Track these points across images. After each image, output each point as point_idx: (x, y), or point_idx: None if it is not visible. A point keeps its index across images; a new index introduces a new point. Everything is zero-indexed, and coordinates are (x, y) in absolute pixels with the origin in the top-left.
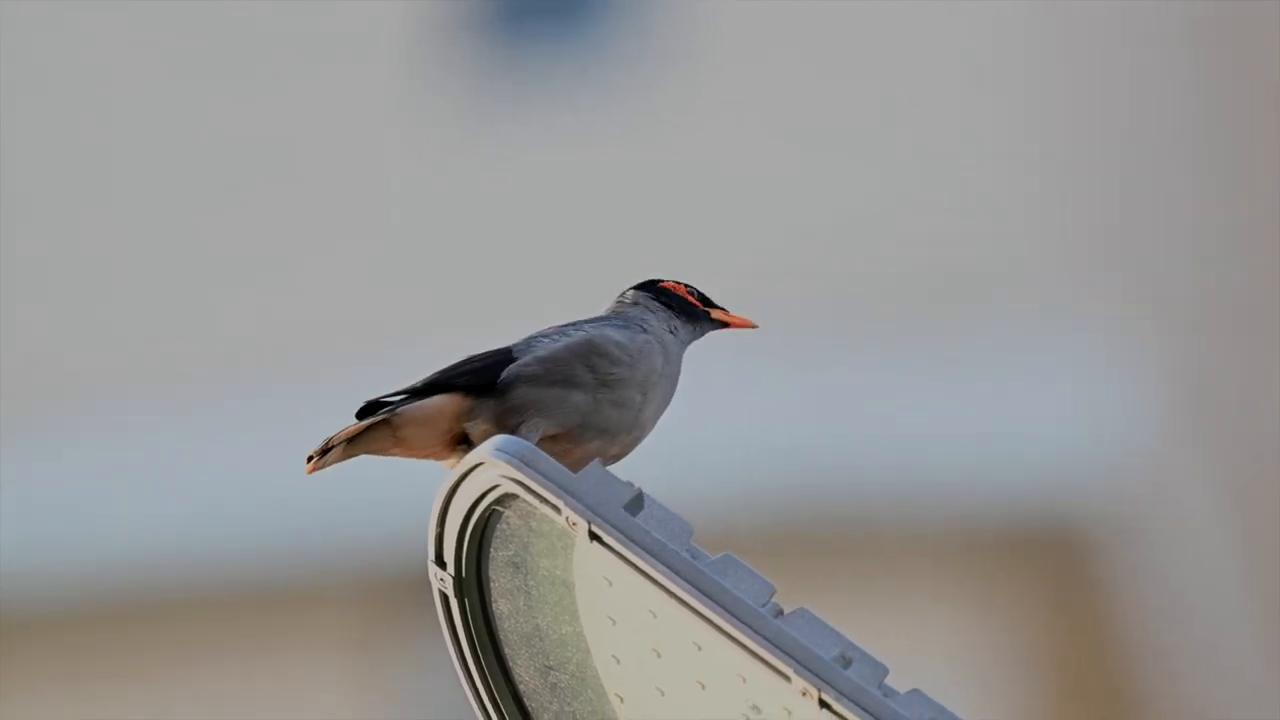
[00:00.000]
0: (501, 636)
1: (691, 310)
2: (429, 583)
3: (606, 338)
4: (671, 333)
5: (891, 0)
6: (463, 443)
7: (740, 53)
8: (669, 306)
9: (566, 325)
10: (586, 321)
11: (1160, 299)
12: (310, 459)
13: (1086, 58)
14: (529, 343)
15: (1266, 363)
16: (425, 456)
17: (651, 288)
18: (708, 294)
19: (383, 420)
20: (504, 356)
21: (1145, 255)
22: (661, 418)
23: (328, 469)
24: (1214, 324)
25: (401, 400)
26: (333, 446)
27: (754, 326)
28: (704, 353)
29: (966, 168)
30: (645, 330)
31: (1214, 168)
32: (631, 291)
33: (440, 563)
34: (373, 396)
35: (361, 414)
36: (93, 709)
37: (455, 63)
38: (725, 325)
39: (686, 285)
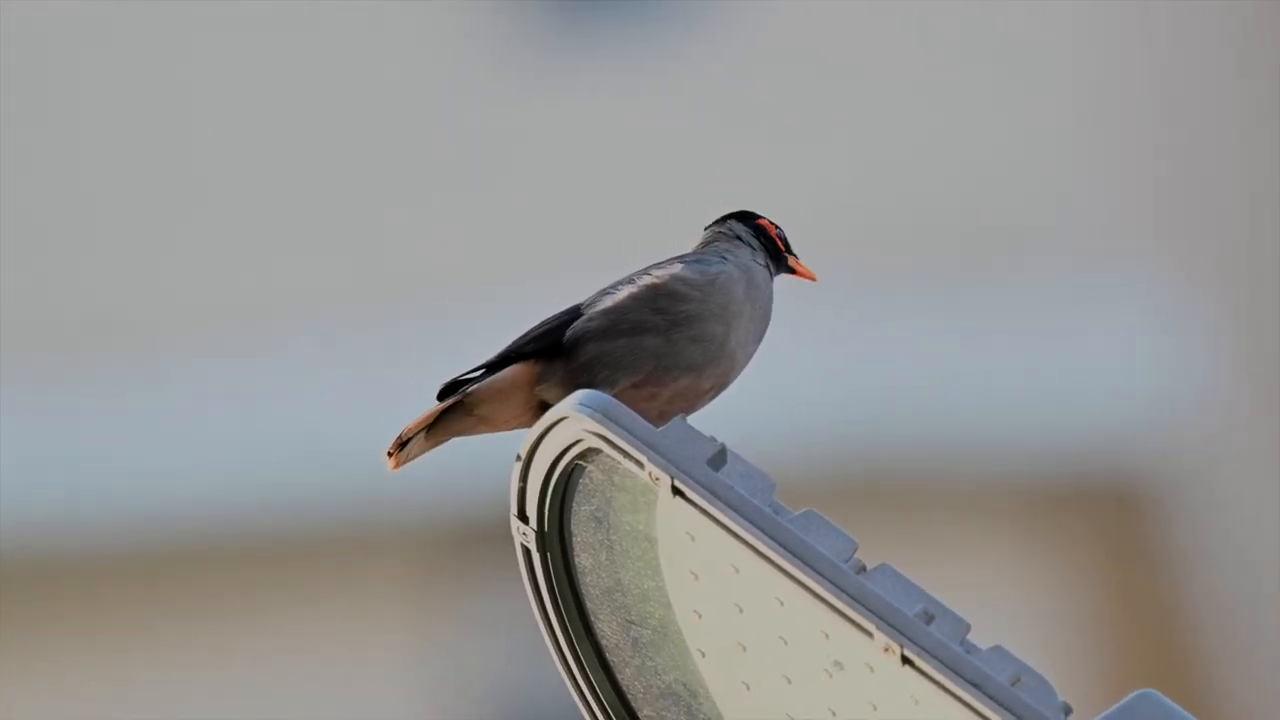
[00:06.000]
0: (583, 591)
1: (776, 252)
2: (486, 534)
3: (673, 277)
4: (761, 265)
5: None
6: (545, 409)
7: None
8: (759, 240)
9: (635, 272)
10: (656, 265)
11: (1221, 248)
12: (390, 454)
13: (1137, 3)
14: (597, 297)
15: None
16: (513, 428)
17: (748, 220)
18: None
19: (457, 401)
20: (570, 316)
21: (1204, 204)
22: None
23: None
24: (1274, 272)
25: (479, 377)
26: (410, 439)
27: (814, 279)
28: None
29: (1028, 116)
30: (725, 260)
31: (1269, 112)
32: (732, 221)
33: (523, 517)
34: (445, 364)
35: (441, 395)
36: (145, 657)
37: (521, 11)
38: (793, 273)
39: (777, 226)
